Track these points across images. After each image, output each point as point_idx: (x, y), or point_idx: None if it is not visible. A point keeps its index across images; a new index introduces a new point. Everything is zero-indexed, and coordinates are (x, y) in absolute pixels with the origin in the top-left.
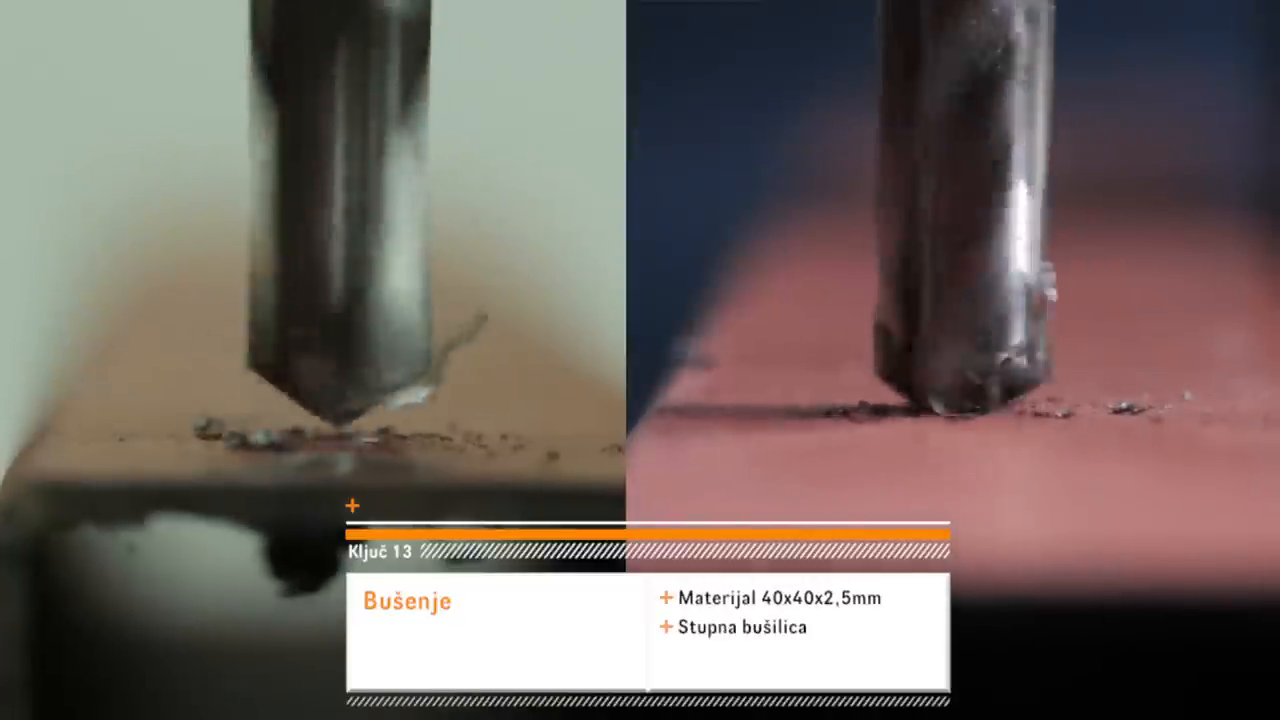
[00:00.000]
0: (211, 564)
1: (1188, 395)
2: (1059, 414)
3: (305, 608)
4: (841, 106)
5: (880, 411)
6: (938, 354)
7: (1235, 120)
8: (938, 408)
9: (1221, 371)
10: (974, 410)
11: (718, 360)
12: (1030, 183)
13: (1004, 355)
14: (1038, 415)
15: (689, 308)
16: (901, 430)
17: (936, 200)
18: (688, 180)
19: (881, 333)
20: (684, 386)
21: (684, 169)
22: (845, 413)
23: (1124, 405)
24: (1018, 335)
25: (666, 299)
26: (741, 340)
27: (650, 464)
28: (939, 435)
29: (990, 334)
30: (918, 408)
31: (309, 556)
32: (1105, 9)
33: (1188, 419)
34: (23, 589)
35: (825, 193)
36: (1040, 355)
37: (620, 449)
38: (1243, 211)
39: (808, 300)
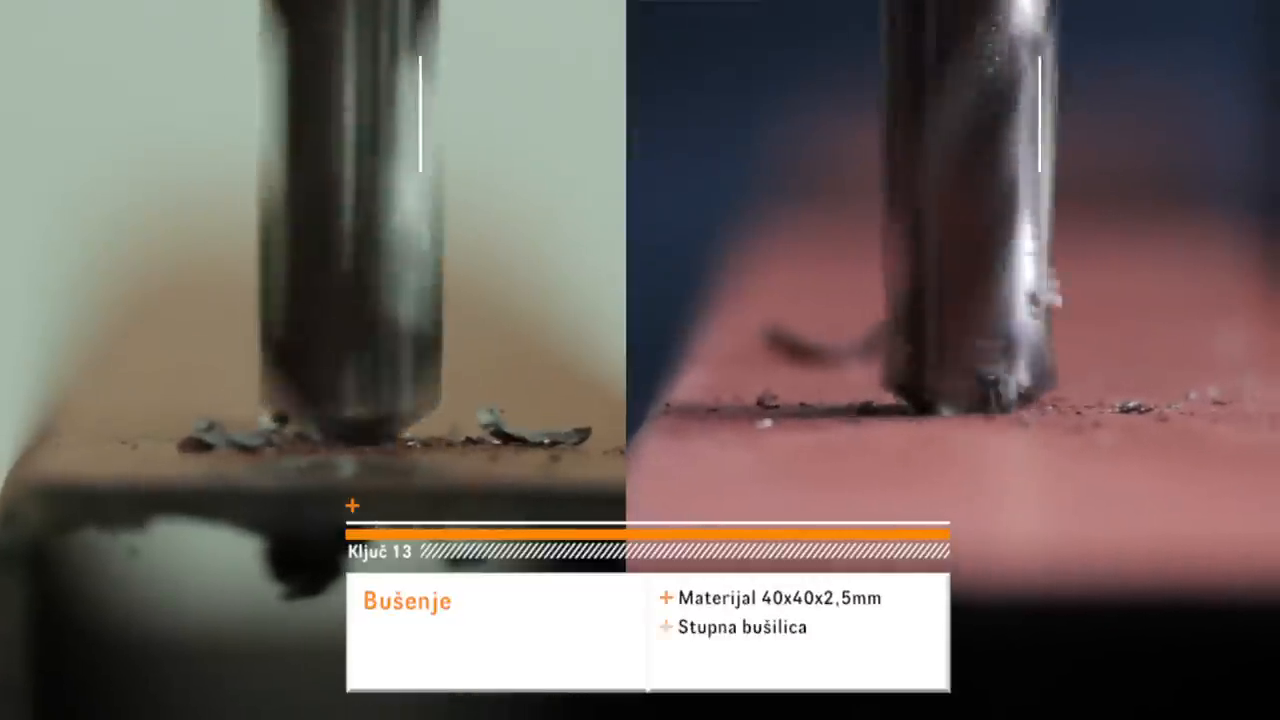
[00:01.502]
0: (212, 566)
1: (1192, 395)
2: (1064, 412)
3: (305, 608)
4: (842, 107)
5: (881, 411)
6: (946, 365)
7: (1239, 121)
8: (948, 414)
9: (1228, 371)
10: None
11: (717, 360)
12: (1037, 197)
13: (1012, 364)
14: (1043, 415)
15: (689, 308)
16: (902, 430)
17: (944, 216)
18: (688, 181)
19: (888, 343)
20: (684, 386)
21: (684, 170)
22: (848, 411)
23: (1131, 405)
24: (1026, 344)
25: (667, 299)
26: (741, 339)
27: (653, 464)
28: (939, 436)
29: (999, 344)
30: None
31: (309, 559)
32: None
33: (1194, 418)
34: (24, 591)
35: (826, 193)
36: (1047, 362)
37: (621, 451)
38: (1249, 211)
39: (807, 299)
